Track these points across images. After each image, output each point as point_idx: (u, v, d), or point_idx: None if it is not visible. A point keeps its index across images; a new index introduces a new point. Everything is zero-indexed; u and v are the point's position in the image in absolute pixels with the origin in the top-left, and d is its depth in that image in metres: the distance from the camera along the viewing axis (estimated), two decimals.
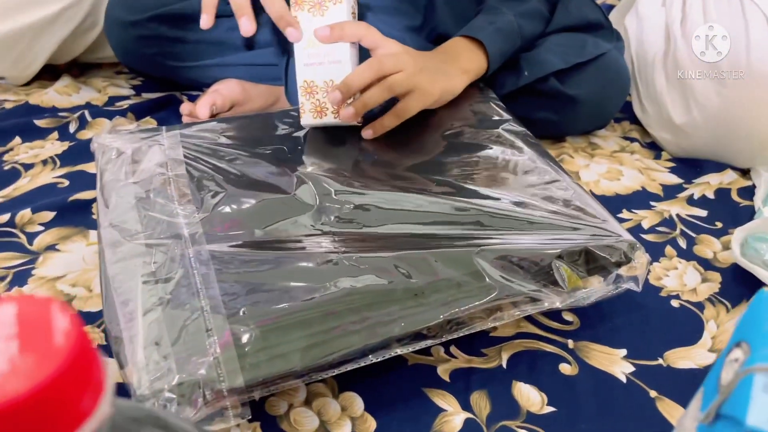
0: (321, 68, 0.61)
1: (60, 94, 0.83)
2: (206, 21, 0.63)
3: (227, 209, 0.52)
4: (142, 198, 0.53)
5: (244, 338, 0.41)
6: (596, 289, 0.50)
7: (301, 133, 0.63)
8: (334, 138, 0.63)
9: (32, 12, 0.77)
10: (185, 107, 0.74)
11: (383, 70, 0.59)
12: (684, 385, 0.47)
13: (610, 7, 1.05)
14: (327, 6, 0.61)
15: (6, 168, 0.70)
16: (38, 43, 0.79)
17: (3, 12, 0.76)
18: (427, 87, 0.61)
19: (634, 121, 0.84)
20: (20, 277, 0.57)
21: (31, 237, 0.61)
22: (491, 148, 0.61)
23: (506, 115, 0.67)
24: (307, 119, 0.63)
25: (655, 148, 0.79)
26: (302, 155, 0.60)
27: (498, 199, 0.54)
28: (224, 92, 0.76)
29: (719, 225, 0.66)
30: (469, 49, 0.68)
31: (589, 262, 0.50)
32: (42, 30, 0.78)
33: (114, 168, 0.57)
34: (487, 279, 0.46)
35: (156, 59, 0.78)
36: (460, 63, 0.66)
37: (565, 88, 0.73)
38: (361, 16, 0.72)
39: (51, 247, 0.60)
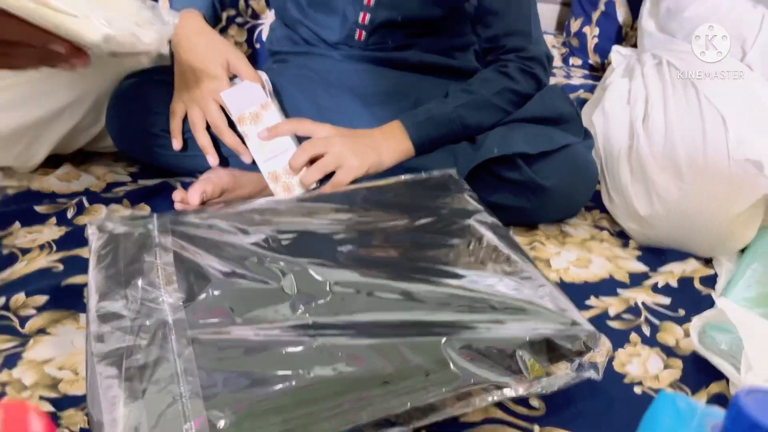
0: (276, 159, 0.78)
1: (60, 181, 0.87)
2: (177, 144, 0.82)
3: (210, 297, 0.55)
4: (130, 284, 0.56)
5: (220, 424, 0.43)
6: (560, 376, 0.52)
7: (284, 225, 0.67)
8: (315, 229, 0.66)
9: (37, 108, 0.82)
10: (177, 194, 0.79)
11: (314, 152, 0.75)
12: None
13: (582, 102, 1.12)
14: (261, 114, 0.78)
15: (5, 252, 0.73)
16: (42, 137, 0.85)
17: (10, 106, 0.82)
18: (354, 163, 0.75)
19: (604, 209, 0.88)
20: (10, 360, 0.59)
21: (23, 320, 0.63)
22: (462, 239, 0.65)
23: (478, 206, 0.71)
24: (280, 196, 0.77)
25: (623, 236, 0.84)
26: (284, 245, 0.64)
27: (467, 288, 0.58)
28: (214, 180, 0.80)
29: (682, 313, 0.69)
30: (401, 132, 0.80)
31: (552, 351, 0.53)
32: (46, 125, 0.84)
33: (104, 253, 0.61)
34: (453, 367, 0.49)
35: (153, 150, 0.83)
36: (390, 143, 0.79)
37: (536, 176, 0.78)
38: (354, 108, 0.87)
39: (41, 331, 0.62)
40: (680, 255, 0.79)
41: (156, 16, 0.55)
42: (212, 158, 0.80)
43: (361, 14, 0.90)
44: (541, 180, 0.77)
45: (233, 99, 0.77)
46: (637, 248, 0.81)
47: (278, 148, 0.78)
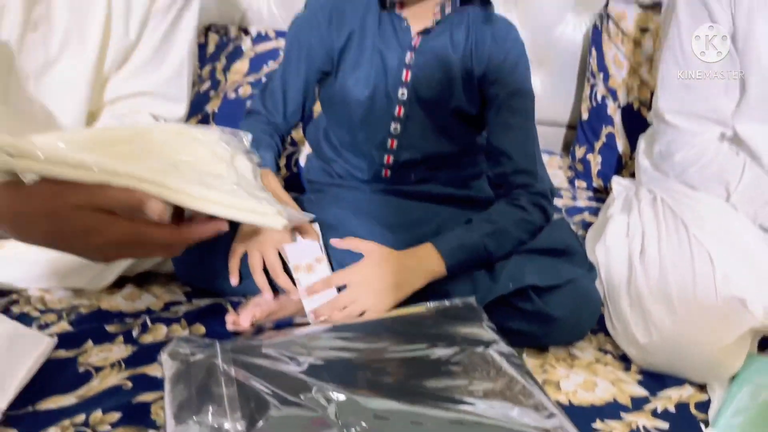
0: (318, 298, 0.90)
1: (126, 300, 0.99)
2: (234, 281, 0.92)
3: (268, 424, 0.65)
4: (200, 410, 0.66)
5: None
6: None
7: (327, 354, 0.77)
8: (351, 357, 0.77)
9: None
10: (230, 318, 0.90)
11: (341, 304, 0.88)
12: None
13: (587, 225, 1.24)
14: (315, 266, 0.91)
15: (81, 370, 0.84)
16: (111, 265, 0.98)
17: None
18: (379, 308, 0.87)
19: (608, 333, 0.98)
20: None
21: None
22: (480, 369, 0.75)
23: (495, 336, 0.81)
24: (317, 326, 0.88)
25: (625, 359, 0.93)
26: (328, 374, 0.74)
27: (487, 416, 0.67)
28: (262, 305, 0.92)
29: None
30: (436, 257, 0.91)
31: None
32: None
33: (177, 381, 0.71)
34: None
35: (211, 280, 0.96)
36: (424, 266, 0.90)
37: (546, 307, 0.89)
38: (381, 235, 0.98)
39: None
40: (677, 381, 0.88)
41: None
42: (269, 295, 0.91)
43: (386, 156, 1.05)
44: (551, 310, 0.88)
45: (293, 251, 0.90)
46: (638, 372, 0.90)
47: (324, 298, 0.91)
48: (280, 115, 1.06)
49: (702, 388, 0.88)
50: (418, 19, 0.98)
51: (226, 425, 0.64)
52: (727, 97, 1.03)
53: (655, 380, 0.88)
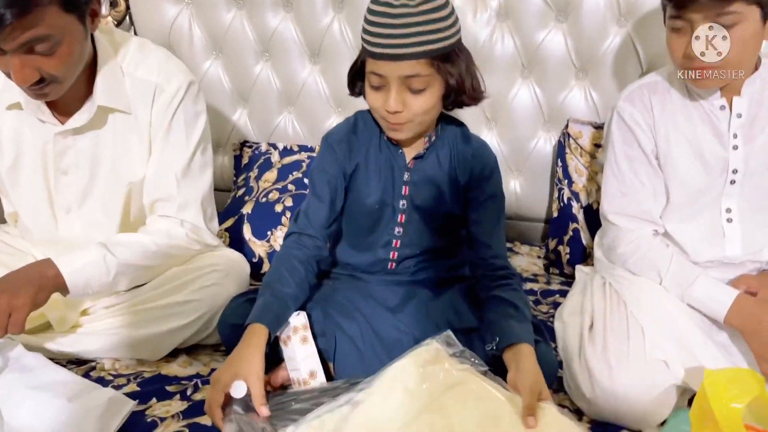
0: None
1: (180, 366, 1.24)
2: (265, 411, 1.01)
3: None
4: None
5: None
6: None
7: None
8: None
9: (171, 322, 1.24)
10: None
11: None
12: None
13: (557, 305, 1.48)
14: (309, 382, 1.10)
15: (148, 420, 1.08)
16: (170, 340, 1.24)
17: (155, 320, 1.23)
18: None
19: (566, 392, 1.21)
20: None
21: None
22: None
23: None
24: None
25: (579, 412, 1.16)
26: None
27: None
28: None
29: None
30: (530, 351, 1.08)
31: None
32: (174, 333, 1.24)
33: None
34: None
35: None
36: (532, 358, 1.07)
37: None
38: (385, 316, 1.20)
39: None
40: (617, 428, 1.10)
41: None
42: (265, 410, 1.02)
43: (391, 252, 1.32)
44: None
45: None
46: (589, 422, 1.13)
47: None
48: (317, 228, 1.27)
49: None
50: (410, 147, 1.28)
51: None
52: (655, 202, 1.30)
53: (602, 427, 1.11)
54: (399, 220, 1.30)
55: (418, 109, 1.14)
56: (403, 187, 1.28)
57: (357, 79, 1.23)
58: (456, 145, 1.29)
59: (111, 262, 1.21)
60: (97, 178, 1.32)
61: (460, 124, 1.32)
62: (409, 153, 1.28)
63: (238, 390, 1.01)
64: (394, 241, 1.31)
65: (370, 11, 1.12)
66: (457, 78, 1.15)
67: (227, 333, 1.22)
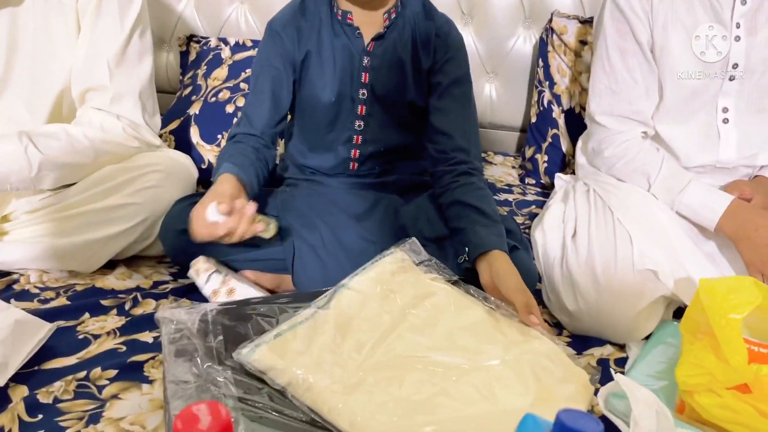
0: None
1: (117, 279, 1.10)
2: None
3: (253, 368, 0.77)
4: (193, 359, 0.78)
5: None
6: None
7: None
8: None
9: (105, 229, 1.08)
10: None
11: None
12: None
13: (533, 216, 1.38)
14: None
15: (80, 337, 0.95)
16: (105, 250, 1.09)
17: (86, 226, 1.07)
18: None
19: (546, 306, 1.12)
20: (94, 418, 0.80)
21: (100, 389, 0.85)
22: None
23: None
24: None
25: (559, 326, 1.07)
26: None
27: None
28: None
29: (599, 386, 0.91)
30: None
31: None
32: (109, 241, 1.09)
33: (174, 336, 0.82)
34: None
35: (195, 255, 1.07)
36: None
37: None
38: (347, 222, 1.09)
39: (115, 396, 0.84)
40: (600, 342, 1.02)
41: None
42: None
43: (353, 150, 1.18)
44: None
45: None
46: (569, 336, 1.05)
47: None
48: (259, 129, 1.13)
49: (621, 347, 1.02)
50: (368, 27, 1.12)
51: (216, 367, 0.76)
52: (647, 101, 1.18)
53: (582, 341, 1.03)
54: (359, 112, 1.15)
55: None
56: (363, 74, 1.13)
57: None
58: (418, 24, 1.14)
59: (34, 155, 1.04)
60: (14, 67, 1.12)
61: None
62: (368, 33, 1.12)
63: (211, 213, 0.95)
64: (355, 137, 1.17)
65: None
66: None
67: (171, 240, 1.07)
